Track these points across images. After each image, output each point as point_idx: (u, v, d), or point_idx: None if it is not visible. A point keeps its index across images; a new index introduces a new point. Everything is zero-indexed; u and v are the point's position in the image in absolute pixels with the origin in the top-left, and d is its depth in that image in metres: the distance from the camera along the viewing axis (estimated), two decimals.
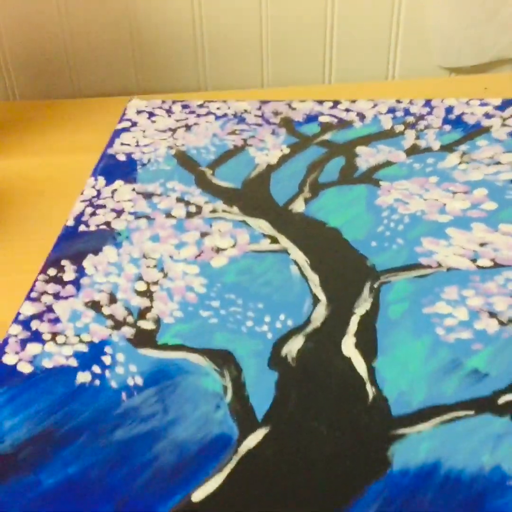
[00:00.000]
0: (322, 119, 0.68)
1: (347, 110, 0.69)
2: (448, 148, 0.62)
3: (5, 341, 0.43)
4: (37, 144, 0.71)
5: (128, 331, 0.44)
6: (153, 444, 0.37)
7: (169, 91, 0.84)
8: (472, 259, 0.49)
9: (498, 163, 0.59)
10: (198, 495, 0.34)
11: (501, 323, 0.43)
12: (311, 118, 0.68)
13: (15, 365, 0.42)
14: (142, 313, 0.45)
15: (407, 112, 0.68)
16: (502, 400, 0.39)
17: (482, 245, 0.50)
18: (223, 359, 0.42)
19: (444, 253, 0.49)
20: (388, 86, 0.83)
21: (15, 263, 0.53)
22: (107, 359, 0.42)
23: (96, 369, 0.41)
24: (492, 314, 0.44)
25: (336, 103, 0.70)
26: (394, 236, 0.51)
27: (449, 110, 0.68)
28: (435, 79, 0.83)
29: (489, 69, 0.84)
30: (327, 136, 0.65)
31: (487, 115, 0.67)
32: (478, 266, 0.48)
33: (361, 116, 0.68)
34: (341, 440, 0.36)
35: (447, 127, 0.65)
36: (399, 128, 0.65)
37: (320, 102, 0.71)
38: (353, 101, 0.71)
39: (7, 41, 0.83)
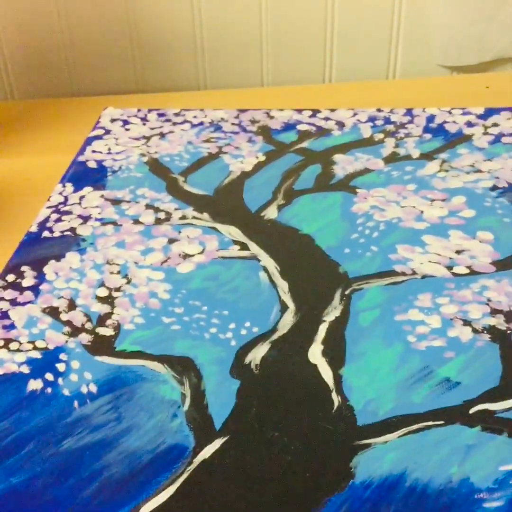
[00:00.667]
0: (300, 127, 0.66)
1: (327, 119, 0.68)
2: (427, 156, 0.61)
3: None
4: (36, 143, 0.70)
5: (85, 338, 0.42)
6: (103, 454, 0.35)
7: (168, 90, 0.83)
8: (448, 267, 0.47)
9: (479, 171, 0.57)
10: (147, 508, 0.32)
11: (475, 331, 0.41)
12: (289, 127, 0.66)
13: None
14: (101, 319, 0.43)
15: (387, 120, 0.67)
16: (473, 410, 0.36)
17: (458, 252, 0.48)
18: (183, 366, 0.40)
19: (419, 260, 0.47)
20: (389, 85, 0.81)
21: None
22: (61, 367, 0.40)
23: (49, 376, 0.39)
24: (466, 322, 0.42)
25: (315, 112, 0.69)
26: (369, 243, 0.49)
27: (430, 119, 0.67)
28: (436, 78, 0.82)
29: (491, 68, 0.83)
30: (304, 144, 0.63)
31: (469, 124, 0.65)
32: (454, 274, 0.46)
33: (341, 125, 0.66)
34: (302, 450, 0.34)
35: (428, 136, 0.64)
36: (379, 136, 0.64)
37: (299, 111, 0.69)
38: (333, 110, 0.69)
39: (6, 41, 0.82)
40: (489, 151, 0.59)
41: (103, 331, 0.42)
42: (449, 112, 0.67)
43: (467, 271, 0.46)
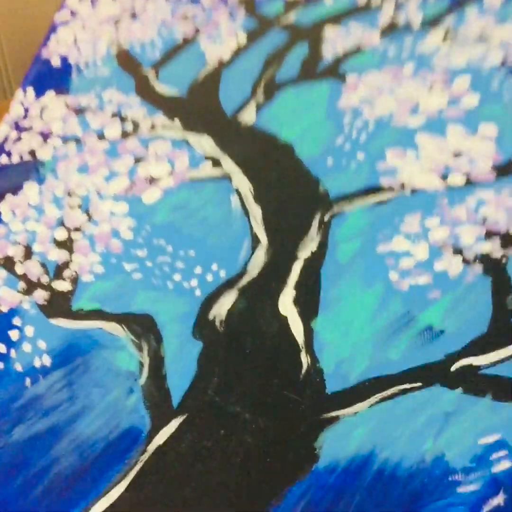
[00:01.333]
0: None
1: None
2: (431, 23, 0.52)
3: None
4: None
5: (41, 295, 0.39)
6: (54, 443, 0.33)
7: None
8: (442, 176, 0.41)
9: (487, 40, 0.50)
10: (98, 508, 0.30)
11: (466, 261, 0.37)
12: None
13: None
14: (59, 270, 0.40)
15: None
16: (455, 366, 0.33)
17: (456, 156, 0.42)
18: (143, 326, 0.37)
19: (410, 170, 0.42)
20: None
21: None
22: (14, 334, 0.37)
23: (1, 348, 0.37)
24: (457, 250, 0.37)
25: None
26: (355, 150, 0.44)
27: None
28: None
29: None
30: (291, 17, 0.55)
31: None
32: (448, 186, 0.40)
33: None
34: (265, 429, 0.32)
35: None
36: (376, 1, 0.55)
37: None
38: None
39: (6, 41, 0.81)
40: (501, 12, 0.51)
41: (60, 285, 0.39)
42: None
43: (464, 180, 0.41)
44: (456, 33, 0.50)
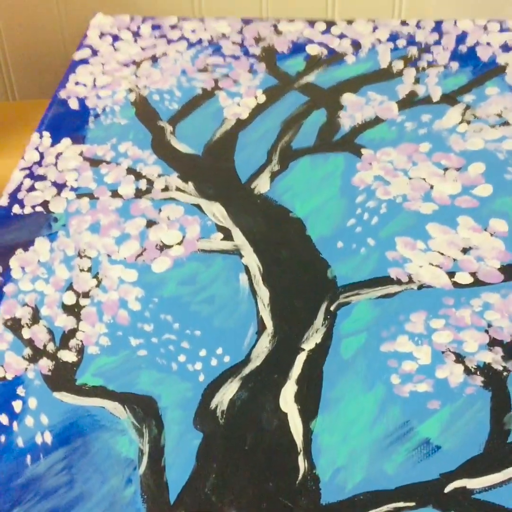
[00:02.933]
0: (309, 50, 0.58)
1: (342, 36, 0.59)
2: (450, 98, 0.53)
3: None
4: None
5: (46, 365, 0.39)
6: None
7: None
8: (449, 272, 0.42)
9: (506, 123, 0.50)
10: None
11: (467, 370, 0.37)
12: (297, 48, 0.58)
13: None
14: (65, 338, 0.40)
15: (411, 40, 0.58)
16: (449, 487, 0.34)
17: (465, 251, 0.43)
18: (145, 410, 0.37)
19: (419, 262, 0.42)
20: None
21: None
22: (17, 405, 0.38)
23: (4, 418, 0.37)
24: (459, 358, 0.38)
25: (329, 25, 0.60)
26: (365, 234, 0.44)
27: (461, 38, 0.58)
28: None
29: None
30: (311, 77, 0.56)
31: (506, 47, 0.56)
32: (455, 283, 0.41)
33: (356, 46, 0.58)
34: None
35: (454, 65, 0.55)
36: (398, 65, 0.56)
37: (311, 24, 0.60)
38: (350, 23, 0.60)
39: (7, 41, 0.81)
40: None
41: (65, 355, 0.39)
42: (484, 28, 0.58)
43: (471, 280, 0.41)
44: (474, 111, 0.51)
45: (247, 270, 0.43)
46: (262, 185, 0.48)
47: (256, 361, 0.39)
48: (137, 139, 0.51)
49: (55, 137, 0.52)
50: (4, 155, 0.65)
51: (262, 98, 0.54)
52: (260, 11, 0.72)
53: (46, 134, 0.52)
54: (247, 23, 0.61)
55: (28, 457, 0.36)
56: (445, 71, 0.55)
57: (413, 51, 0.57)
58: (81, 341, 0.40)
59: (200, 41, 0.59)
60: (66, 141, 0.52)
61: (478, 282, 0.41)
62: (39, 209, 0.47)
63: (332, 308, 0.41)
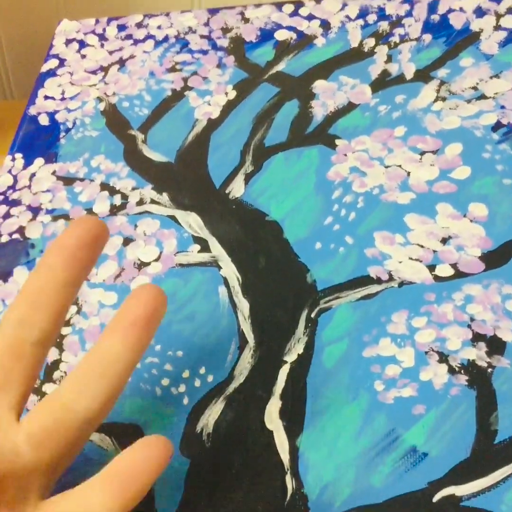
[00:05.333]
0: (278, 35, 0.57)
1: (310, 17, 0.57)
2: (424, 74, 0.51)
3: None
4: None
5: (31, 401, 0.39)
6: None
7: None
8: (430, 266, 0.41)
9: (482, 96, 0.49)
10: None
11: (451, 370, 0.37)
12: (265, 35, 0.57)
13: None
14: (49, 371, 0.40)
15: (381, 13, 0.56)
16: (437, 496, 0.33)
17: (444, 241, 0.42)
18: (132, 439, 0.37)
19: (398, 257, 0.42)
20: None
21: None
22: None
23: None
24: (443, 357, 0.37)
25: (298, 6, 0.58)
26: (343, 232, 0.44)
27: (433, 6, 0.56)
28: None
29: None
30: (281, 66, 0.54)
31: (480, 12, 0.55)
32: (436, 276, 0.40)
33: (325, 26, 0.56)
34: None
35: (427, 37, 0.54)
36: (369, 43, 0.54)
37: (279, 7, 0.59)
38: (318, 1, 0.59)
39: (6, 40, 0.80)
40: (498, 60, 0.50)
41: (50, 388, 0.40)
42: None
43: (452, 272, 0.41)
44: (449, 87, 0.49)
45: (226, 283, 0.42)
46: (236, 189, 0.47)
47: (239, 378, 0.39)
48: (109, 151, 0.51)
49: (28, 158, 0.51)
50: (3, 155, 0.64)
51: (232, 94, 0.53)
52: None
53: (18, 155, 0.52)
54: (214, 13, 0.59)
55: None
56: (417, 45, 0.53)
57: (384, 26, 0.55)
58: (65, 372, 0.40)
59: (166, 38, 0.58)
60: (38, 161, 0.51)
61: (459, 274, 0.41)
62: (15, 236, 0.47)
63: (313, 315, 0.40)
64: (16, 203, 0.49)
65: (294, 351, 0.39)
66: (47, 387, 0.40)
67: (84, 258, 0.31)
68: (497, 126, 0.47)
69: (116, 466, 0.29)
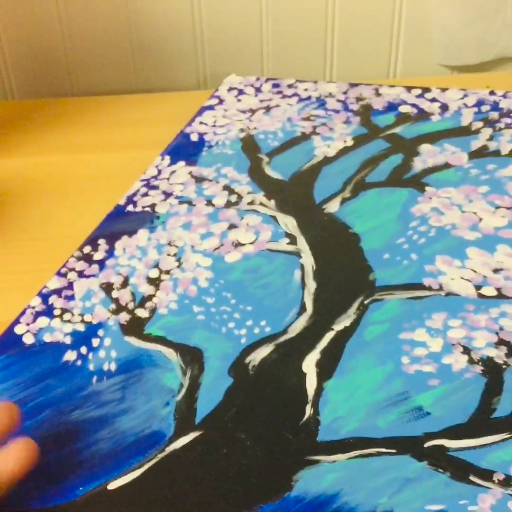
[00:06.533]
0: (402, 108, 0.67)
1: (433, 100, 0.67)
2: None
3: (23, 312, 0.50)
4: (36, 143, 0.72)
5: (124, 317, 0.49)
6: (99, 429, 0.42)
7: (169, 90, 0.84)
8: (477, 286, 0.48)
9: None
10: (113, 485, 0.39)
11: (471, 360, 0.43)
12: (391, 107, 0.67)
13: (21, 336, 0.48)
14: (143, 301, 0.50)
15: (495, 106, 0.65)
16: (429, 443, 0.39)
17: (496, 271, 0.48)
18: (192, 356, 0.45)
19: (452, 276, 0.49)
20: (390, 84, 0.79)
21: (15, 262, 0.55)
22: (95, 342, 0.47)
23: (83, 349, 0.47)
24: (466, 350, 0.44)
25: (425, 91, 0.69)
26: (411, 250, 0.51)
27: None
28: (436, 78, 0.79)
29: (492, 67, 0.80)
30: (397, 129, 0.64)
31: None
32: (480, 294, 0.47)
33: (444, 108, 0.66)
34: (259, 456, 0.39)
35: None
36: (477, 125, 0.63)
37: (409, 89, 0.69)
38: (443, 90, 0.68)
39: (6, 40, 0.83)
40: None
41: (140, 312, 0.49)
42: None
43: (495, 293, 0.47)
44: None
45: (302, 268, 0.51)
46: (332, 207, 0.56)
47: (291, 334, 0.46)
48: (238, 166, 0.61)
49: (173, 160, 0.63)
50: (3, 155, 0.67)
51: (350, 142, 0.63)
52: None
53: (167, 157, 0.64)
54: (353, 86, 0.71)
55: (95, 378, 0.45)
56: None
57: (494, 115, 0.64)
58: (155, 304, 0.49)
59: (309, 97, 0.70)
60: (180, 163, 0.63)
61: (500, 296, 0.47)
62: (147, 209, 0.58)
63: (366, 302, 0.47)
64: (154, 187, 0.61)
65: (343, 324, 0.47)
66: (138, 311, 0.49)
67: None
68: None
69: None
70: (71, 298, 0.51)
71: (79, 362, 0.46)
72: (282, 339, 0.46)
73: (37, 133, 0.74)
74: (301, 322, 0.46)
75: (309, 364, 0.44)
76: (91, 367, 0.45)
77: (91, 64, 0.86)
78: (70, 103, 0.81)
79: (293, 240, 0.52)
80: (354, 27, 0.82)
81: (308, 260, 0.51)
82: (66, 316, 0.49)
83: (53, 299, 0.51)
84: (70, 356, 0.46)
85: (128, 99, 0.80)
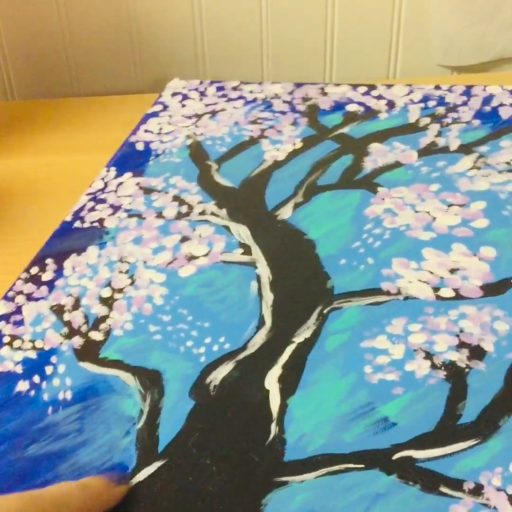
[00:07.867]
0: (349, 107, 0.66)
1: (379, 97, 0.67)
2: (466, 148, 0.59)
3: None
4: (36, 143, 0.72)
5: (77, 341, 0.47)
6: (57, 464, 0.40)
7: None
8: (435, 287, 0.47)
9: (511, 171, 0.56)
10: None
11: (433, 366, 0.42)
12: (338, 107, 0.66)
13: None
14: (97, 322, 0.48)
15: (441, 101, 0.65)
16: (397, 455, 0.38)
17: (452, 271, 0.48)
18: (151, 380, 0.44)
19: (409, 278, 0.48)
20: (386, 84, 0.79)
21: (13, 263, 0.56)
22: (48, 369, 0.45)
23: (36, 378, 0.45)
24: (428, 355, 0.43)
25: (371, 88, 0.68)
26: (367, 254, 0.50)
27: (487, 100, 0.64)
28: (435, 78, 0.79)
29: (490, 68, 0.80)
30: (346, 129, 0.63)
31: None
32: (438, 296, 0.46)
33: (391, 105, 0.65)
34: (226, 481, 0.38)
35: (476, 122, 0.62)
36: (425, 121, 0.63)
37: (355, 87, 0.69)
38: (389, 86, 0.68)
39: (7, 40, 0.83)
40: None
41: (94, 335, 0.47)
42: (511, 92, 0.64)
43: (453, 294, 0.46)
44: (485, 160, 0.57)
45: (258, 279, 0.50)
46: (284, 213, 0.55)
47: (251, 349, 0.45)
48: (186, 174, 0.60)
49: (120, 171, 0.61)
50: (3, 155, 0.68)
51: (299, 145, 0.62)
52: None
53: (113, 169, 0.62)
54: (299, 86, 0.70)
55: (50, 409, 0.43)
56: (466, 127, 0.61)
57: (441, 110, 0.64)
58: (109, 325, 0.48)
59: (255, 100, 0.68)
60: (127, 174, 0.61)
61: (459, 297, 0.46)
62: (95, 224, 0.56)
63: (325, 311, 0.47)
64: (101, 201, 0.59)
65: (303, 335, 0.46)
66: (92, 334, 0.48)
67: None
68: None
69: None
70: (20, 323, 0.49)
71: (32, 393, 0.44)
72: (242, 355, 0.45)
73: (37, 133, 0.73)
74: (261, 336, 0.45)
75: (272, 380, 0.43)
76: (45, 397, 0.44)
77: (91, 65, 0.85)
78: (71, 103, 0.80)
79: (247, 250, 0.51)
80: (354, 28, 0.82)
81: (264, 270, 0.50)
82: (16, 343, 0.47)
83: (1, 326, 0.49)
84: (22, 386, 0.45)
85: (129, 99, 0.79)
